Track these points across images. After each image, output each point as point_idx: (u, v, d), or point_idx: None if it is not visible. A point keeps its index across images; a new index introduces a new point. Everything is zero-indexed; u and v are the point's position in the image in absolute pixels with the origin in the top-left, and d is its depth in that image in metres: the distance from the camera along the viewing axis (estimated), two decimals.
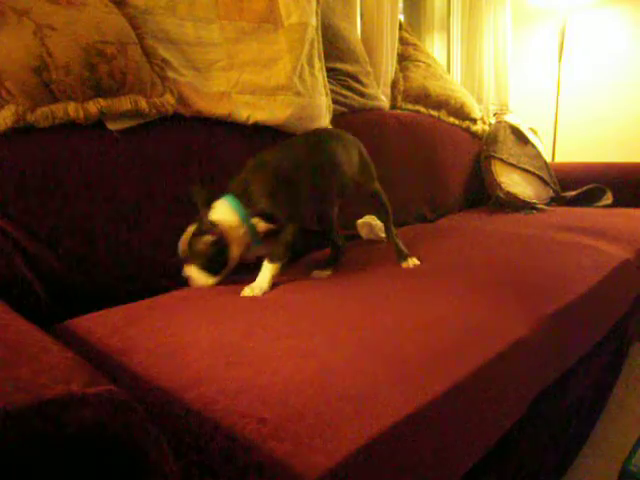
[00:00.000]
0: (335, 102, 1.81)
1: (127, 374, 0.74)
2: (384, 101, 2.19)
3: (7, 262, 0.99)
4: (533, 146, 2.53)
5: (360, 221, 1.71)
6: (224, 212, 1.11)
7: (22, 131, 1.06)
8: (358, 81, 1.99)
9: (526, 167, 2.43)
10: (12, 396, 0.34)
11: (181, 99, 1.34)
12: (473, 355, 0.86)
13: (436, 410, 0.73)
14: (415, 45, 2.48)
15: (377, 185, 1.42)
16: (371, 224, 1.69)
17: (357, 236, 1.70)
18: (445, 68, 2.86)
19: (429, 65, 2.43)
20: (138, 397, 0.64)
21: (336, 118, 1.78)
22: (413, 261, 1.33)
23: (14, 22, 1.08)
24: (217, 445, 0.57)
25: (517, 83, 3.18)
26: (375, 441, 0.63)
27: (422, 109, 2.33)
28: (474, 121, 2.57)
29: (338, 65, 1.91)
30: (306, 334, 0.87)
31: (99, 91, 1.16)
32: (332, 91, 1.80)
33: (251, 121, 1.47)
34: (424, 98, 2.33)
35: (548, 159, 2.66)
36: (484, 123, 2.64)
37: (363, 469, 0.61)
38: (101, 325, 0.93)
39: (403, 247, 1.37)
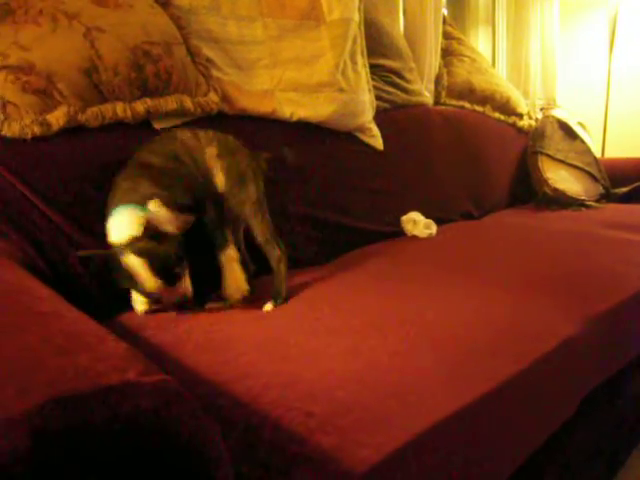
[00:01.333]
0: (378, 98, 1.80)
1: (177, 367, 0.75)
2: (428, 97, 2.16)
3: (62, 257, 1.02)
4: (582, 141, 2.45)
5: (404, 217, 1.70)
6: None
7: (73, 130, 1.09)
8: (401, 77, 1.98)
9: (574, 163, 2.36)
10: (73, 382, 0.36)
11: (225, 98, 1.35)
12: (521, 353, 0.84)
13: (482, 408, 0.72)
14: (459, 39, 2.44)
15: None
16: (415, 220, 1.67)
17: (401, 232, 1.68)
18: (490, 62, 2.81)
19: (474, 59, 2.39)
20: (188, 389, 0.65)
21: (379, 114, 1.77)
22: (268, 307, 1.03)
23: (65, 26, 1.11)
24: (265, 437, 0.58)
25: (565, 76, 3.09)
26: (421, 437, 0.62)
27: (466, 104, 2.29)
28: (520, 116, 2.51)
29: (381, 61, 1.89)
30: (351, 331, 0.86)
31: (146, 91, 1.19)
32: (375, 87, 1.79)
33: (294, 118, 1.47)
34: (469, 93, 2.30)
35: (598, 154, 2.58)
36: (530, 118, 2.58)
37: (409, 465, 0.61)
38: (152, 320, 0.95)
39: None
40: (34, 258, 0.97)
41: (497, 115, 2.40)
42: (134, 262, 0.89)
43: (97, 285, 1.05)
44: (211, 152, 1.09)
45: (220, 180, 1.09)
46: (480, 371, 0.78)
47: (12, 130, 1.03)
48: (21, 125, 1.04)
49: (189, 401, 0.41)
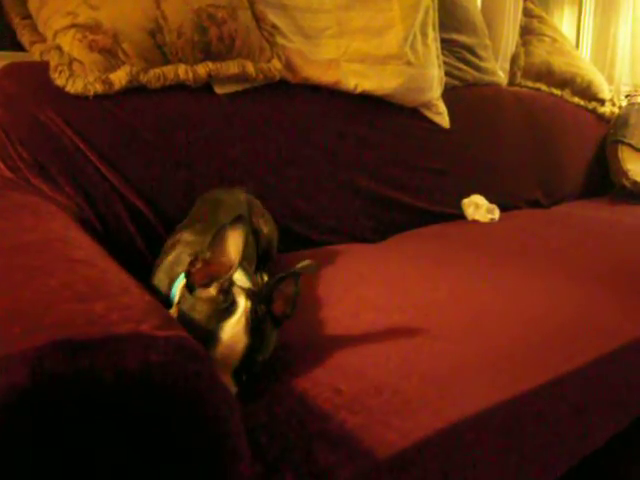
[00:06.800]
0: (448, 75, 1.72)
1: None
2: (501, 77, 2.07)
3: (115, 216, 1.04)
4: None
5: (466, 200, 1.63)
6: None
7: (135, 90, 1.10)
8: (475, 54, 1.89)
9: None
10: (81, 328, 0.35)
11: (288, 65, 1.33)
12: (578, 351, 0.79)
13: (526, 406, 0.68)
14: (540, 17, 2.31)
15: None
16: (477, 204, 1.60)
17: (462, 216, 1.62)
18: (573, 44, 2.65)
19: (555, 40, 2.26)
20: None
21: (447, 91, 1.70)
22: None
23: None
24: (288, 409, 0.56)
25: None
26: (454, 428, 0.59)
27: (543, 87, 2.17)
28: (602, 102, 2.36)
29: (454, 36, 1.81)
30: (396, 311, 0.84)
31: (208, 54, 1.18)
32: (446, 63, 1.72)
33: (358, 90, 1.43)
34: (546, 75, 2.17)
35: None
36: (613, 105, 2.42)
37: (436, 455, 0.58)
38: None
39: None
40: (86, 212, 0.99)
41: (576, 100, 2.26)
42: None
43: (144, 241, 1.06)
44: None
45: None
46: (529, 366, 0.73)
47: (75, 87, 1.05)
48: (85, 82, 1.05)
49: (205, 361, 0.40)
